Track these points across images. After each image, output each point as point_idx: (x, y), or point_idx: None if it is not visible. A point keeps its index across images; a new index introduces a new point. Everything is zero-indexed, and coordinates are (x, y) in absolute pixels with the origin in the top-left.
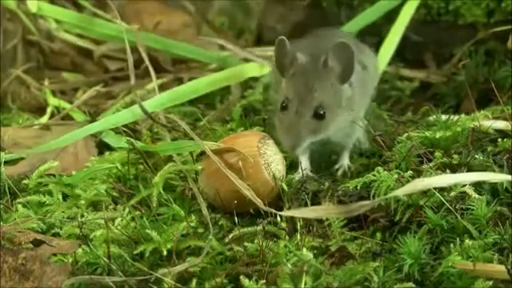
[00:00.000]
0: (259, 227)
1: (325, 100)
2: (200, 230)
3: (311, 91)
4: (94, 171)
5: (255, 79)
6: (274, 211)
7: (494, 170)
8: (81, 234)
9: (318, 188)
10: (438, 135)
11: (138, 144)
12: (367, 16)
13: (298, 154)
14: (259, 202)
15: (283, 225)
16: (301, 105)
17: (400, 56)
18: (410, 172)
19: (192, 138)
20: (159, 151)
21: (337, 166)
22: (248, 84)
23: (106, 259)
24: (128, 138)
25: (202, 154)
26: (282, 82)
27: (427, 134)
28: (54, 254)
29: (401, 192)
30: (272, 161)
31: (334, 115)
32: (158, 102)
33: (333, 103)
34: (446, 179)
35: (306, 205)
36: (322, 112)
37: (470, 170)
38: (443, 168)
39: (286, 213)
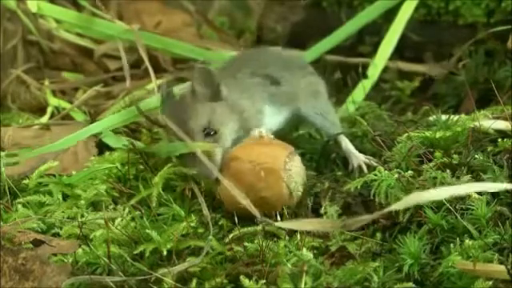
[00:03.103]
0: (259, 227)
1: (209, 120)
2: (200, 230)
3: (186, 121)
4: (94, 171)
5: None
6: (270, 222)
7: (494, 170)
8: (81, 234)
9: (319, 188)
10: (438, 135)
11: (138, 144)
12: (367, 15)
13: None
14: (255, 211)
15: None
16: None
17: (400, 56)
18: (410, 172)
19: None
20: (156, 153)
21: (350, 167)
22: None
23: (106, 259)
24: (128, 139)
25: None
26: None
27: (427, 134)
28: (54, 254)
29: (399, 206)
30: (293, 179)
31: (226, 128)
32: (157, 101)
33: (220, 119)
34: (445, 191)
35: (306, 207)
36: (212, 132)
37: (469, 169)
38: (443, 168)
39: (283, 224)
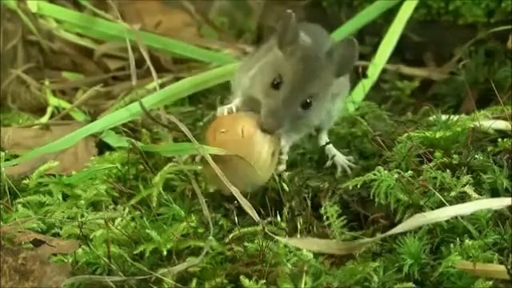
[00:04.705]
0: (259, 227)
1: (317, 91)
2: (200, 230)
3: (308, 81)
4: (94, 171)
5: None
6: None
7: (494, 170)
8: (81, 234)
9: (319, 186)
10: (438, 135)
11: (139, 144)
12: (366, 15)
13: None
14: (243, 200)
15: (283, 225)
16: (294, 92)
17: (400, 56)
18: (410, 172)
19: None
20: (160, 152)
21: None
22: None
23: (106, 259)
24: (128, 139)
25: None
26: (275, 54)
27: (427, 134)
28: (54, 254)
29: (401, 229)
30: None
31: (319, 107)
32: (155, 99)
33: (322, 95)
34: (446, 212)
35: (306, 203)
36: (309, 101)
37: (470, 169)
38: (443, 168)
39: (284, 240)
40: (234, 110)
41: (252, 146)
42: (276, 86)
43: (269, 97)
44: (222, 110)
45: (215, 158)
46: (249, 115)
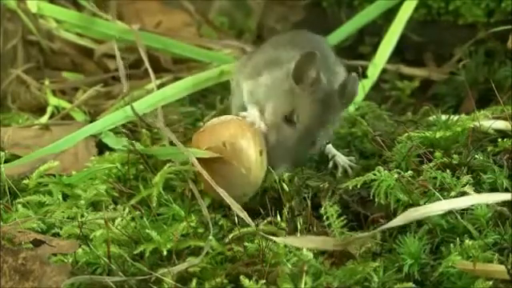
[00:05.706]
0: (259, 227)
1: (325, 133)
2: (200, 230)
3: (322, 126)
4: (94, 171)
5: None
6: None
7: (494, 170)
8: (81, 234)
9: (319, 187)
10: (438, 135)
11: (137, 146)
12: (367, 15)
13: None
14: (233, 204)
15: (283, 225)
16: (308, 136)
17: (400, 56)
18: (410, 172)
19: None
20: (157, 155)
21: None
22: None
23: (106, 259)
24: (127, 140)
25: None
26: (291, 85)
27: (427, 134)
28: (54, 254)
29: (394, 223)
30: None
31: (322, 141)
32: (154, 99)
33: (326, 134)
34: (441, 205)
35: (306, 203)
36: (315, 141)
37: (470, 169)
38: (443, 168)
39: (285, 240)
40: (259, 123)
41: (239, 153)
42: (290, 122)
43: (281, 130)
44: (252, 119)
45: (206, 169)
46: (224, 122)
